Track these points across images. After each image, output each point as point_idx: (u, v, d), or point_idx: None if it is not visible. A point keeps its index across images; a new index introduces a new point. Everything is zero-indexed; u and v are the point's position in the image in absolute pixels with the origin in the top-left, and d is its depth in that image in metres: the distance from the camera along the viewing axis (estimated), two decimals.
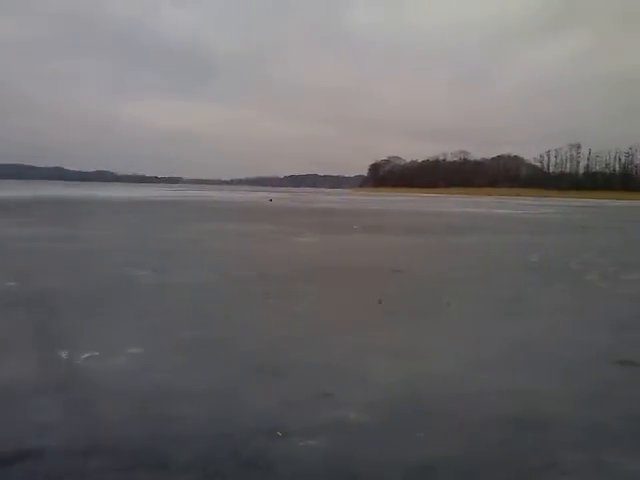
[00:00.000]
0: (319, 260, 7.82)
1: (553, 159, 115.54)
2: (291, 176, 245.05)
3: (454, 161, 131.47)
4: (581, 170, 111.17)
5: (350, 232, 12.59)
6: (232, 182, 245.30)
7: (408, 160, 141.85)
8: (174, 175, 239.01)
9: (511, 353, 3.64)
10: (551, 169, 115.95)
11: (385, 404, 2.67)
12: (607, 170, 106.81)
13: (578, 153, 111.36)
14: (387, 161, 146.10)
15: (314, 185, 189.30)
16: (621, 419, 2.60)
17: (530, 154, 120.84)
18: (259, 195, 49.75)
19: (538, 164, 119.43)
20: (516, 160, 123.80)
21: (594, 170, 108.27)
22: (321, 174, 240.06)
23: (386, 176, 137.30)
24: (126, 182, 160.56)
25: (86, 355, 3.24)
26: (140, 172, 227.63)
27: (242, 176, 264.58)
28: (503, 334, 4.12)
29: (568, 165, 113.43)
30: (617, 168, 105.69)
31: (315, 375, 3.07)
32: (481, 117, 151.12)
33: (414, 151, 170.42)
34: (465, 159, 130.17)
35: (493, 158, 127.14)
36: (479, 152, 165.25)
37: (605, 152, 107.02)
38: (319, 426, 2.38)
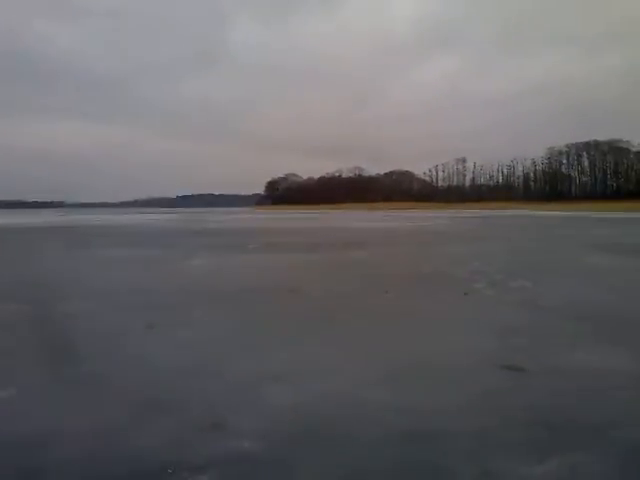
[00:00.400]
0: (211, 284, 7.64)
1: (441, 173, 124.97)
2: (184, 196, 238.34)
3: (350, 177, 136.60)
4: (467, 183, 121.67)
5: (246, 251, 12.44)
6: (121, 205, 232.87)
7: (305, 177, 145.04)
8: (56, 199, 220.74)
9: (402, 366, 3.79)
10: (440, 183, 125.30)
11: (278, 430, 2.66)
12: (491, 182, 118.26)
13: (464, 167, 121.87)
14: (284, 178, 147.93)
15: (209, 205, 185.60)
16: (507, 425, 2.79)
17: (420, 169, 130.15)
18: (149, 217, 47.63)
19: (428, 178, 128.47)
20: (407, 175, 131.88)
21: (479, 183, 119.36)
22: (216, 193, 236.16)
23: (284, 193, 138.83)
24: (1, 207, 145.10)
25: None
26: (17, 196, 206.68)
27: (131, 198, 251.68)
28: (396, 347, 4.29)
29: (455, 179, 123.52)
30: (500, 180, 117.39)
31: (206, 406, 2.98)
32: (372, 133, 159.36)
33: (311, 168, 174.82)
34: (360, 175, 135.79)
35: (386, 173, 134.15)
36: (373, 167, 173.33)
37: (489, 165, 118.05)
38: (210, 460, 2.33)
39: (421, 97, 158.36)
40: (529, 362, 3.85)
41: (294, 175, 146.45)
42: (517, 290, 6.95)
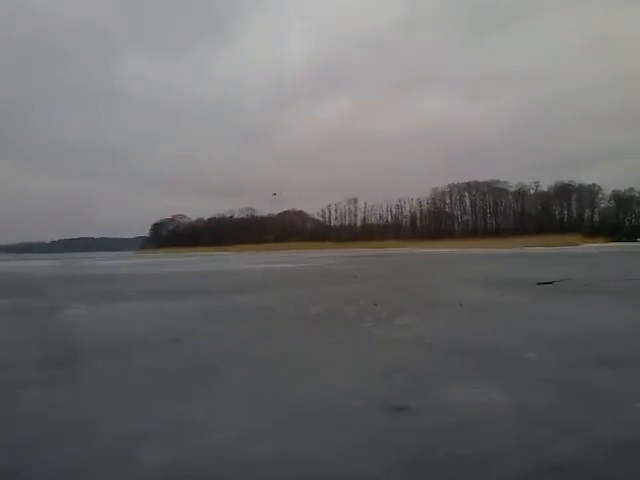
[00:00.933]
0: (84, 338, 7.09)
1: (334, 213, 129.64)
2: (60, 240, 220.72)
3: (242, 218, 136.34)
4: (359, 222, 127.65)
5: (125, 299, 11.78)
6: None
7: (194, 218, 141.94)
8: None
9: (289, 414, 3.76)
10: (332, 222, 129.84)
11: None
12: (381, 221, 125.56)
13: (355, 207, 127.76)
14: (171, 220, 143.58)
15: (89, 249, 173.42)
16: (392, 467, 2.87)
17: (314, 208, 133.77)
18: (19, 264, 43.43)
19: (321, 218, 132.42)
20: (301, 215, 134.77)
21: (370, 222, 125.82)
22: (97, 236, 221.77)
23: (170, 235, 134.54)
24: None
25: None
26: None
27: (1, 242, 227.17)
28: (282, 394, 4.27)
29: (347, 218, 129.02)
30: (389, 219, 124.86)
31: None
32: (266, 173, 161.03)
33: (202, 209, 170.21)
34: (252, 215, 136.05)
35: (280, 213, 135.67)
36: (267, 208, 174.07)
37: (378, 205, 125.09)
38: None
39: (314, 137, 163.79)
40: (413, 400, 3.99)
41: (182, 216, 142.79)
42: (403, 327, 7.26)
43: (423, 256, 42.38)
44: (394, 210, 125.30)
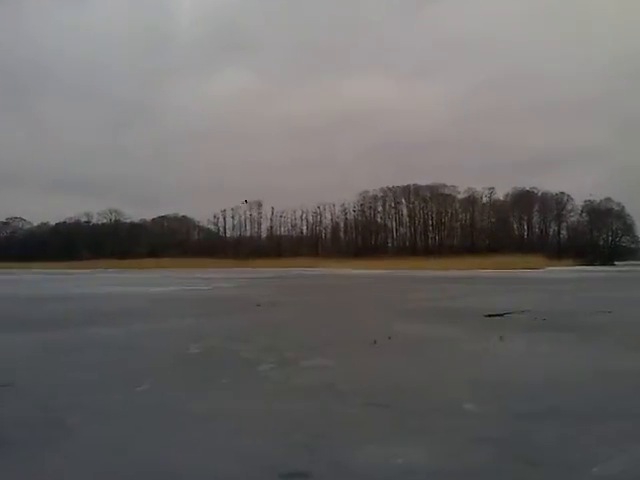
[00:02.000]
0: None
1: (230, 220, 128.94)
2: None
3: (103, 223, 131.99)
4: (264, 233, 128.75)
5: None
6: None
7: (36, 223, 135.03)
8: None
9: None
10: (228, 233, 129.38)
11: None
12: (294, 233, 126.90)
13: (259, 213, 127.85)
14: (5, 224, 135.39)
15: None
16: None
17: (203, 214, 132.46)
18: None
19: (212, 227, 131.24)
20: (185, 222, 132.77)
21: (279, 233, 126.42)
22: None
23: (4, 244, 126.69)
24: None
25: None
26: None
27: None
28: (160, 457, 4.22)
29: (248, 228, 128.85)
30: (305, 230, 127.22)
31: None
32: (137, 167, 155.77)
33: (47, 210, 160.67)
34: (118, 220, 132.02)
35: (155, 219, 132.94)
36: (137, 211, 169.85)
37: (291, 211, 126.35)
38: None
39: (205, 121, 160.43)
40: (316, 464, 4.08)
41: (21, 219, 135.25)
42: (312, 370, 7.40)
43: (346, 279, 43.32)
44: (311, 219, 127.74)
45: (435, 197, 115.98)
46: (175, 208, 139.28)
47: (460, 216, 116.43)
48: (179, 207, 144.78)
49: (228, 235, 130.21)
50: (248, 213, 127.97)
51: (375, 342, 9.58)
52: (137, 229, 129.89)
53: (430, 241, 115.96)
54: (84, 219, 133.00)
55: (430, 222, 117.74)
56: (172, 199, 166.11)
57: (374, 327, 11.91)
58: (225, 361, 8.13)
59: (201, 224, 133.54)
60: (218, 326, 12.50)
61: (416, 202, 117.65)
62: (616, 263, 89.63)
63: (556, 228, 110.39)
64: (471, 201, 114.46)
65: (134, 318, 14.34)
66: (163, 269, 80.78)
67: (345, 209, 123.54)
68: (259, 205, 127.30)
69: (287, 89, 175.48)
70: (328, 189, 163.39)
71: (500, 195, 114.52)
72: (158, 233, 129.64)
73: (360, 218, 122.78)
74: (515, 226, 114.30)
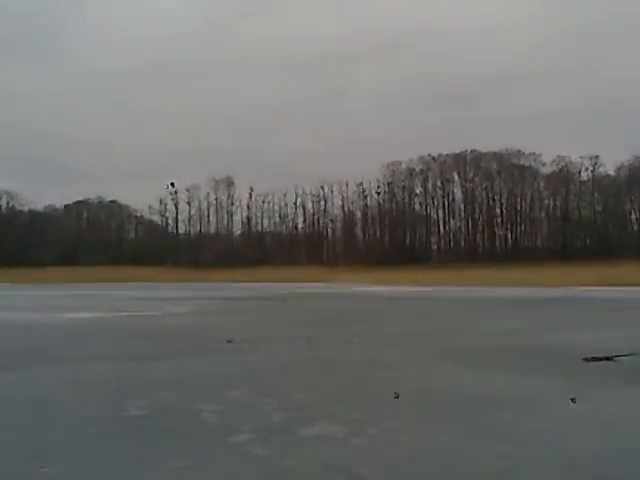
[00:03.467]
0: None
1: (184, 208, 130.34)
2: None
3: None
4: (237, 228, 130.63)
5: None
6: None
7: None
8: None
9: None
10: (182, 228, 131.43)
11: None
12: (284, 228, 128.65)
13: (230, 197, 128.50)
14: None
15: None
16: None
17: (143, 199, 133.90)
18: None
19: (158, 218, 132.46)
20: (115, 211, 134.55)
21: (260, 229, 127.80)
22: None
23: None
24: None
25: None
26: None
27: None
28: None
29: (213, 219, 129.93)
30: (302, 224, 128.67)
31: None
32: (38, 124, 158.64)
33: None
34: (11, 208, 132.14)
35: (69, 207, 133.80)
36: (40, 195, 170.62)
37: (279, 194, 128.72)
38: None
39: (143, 52, 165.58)
40: None
41: None
42: (314, 444, 7.42)
43: (365, 300, 43.00)
44: (311, 207, 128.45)
45: (506, 171, 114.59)
46: (100, 189, 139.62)
47: (546, 201, 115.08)
48: (106, 188, 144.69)
49: (182, 231, 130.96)
50: (213, 197, 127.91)
51: (398, 397, 9.62)
52: (40, 222, 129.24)
53: (498, 241, 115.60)
54: None
55: (498, 210, 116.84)
56: (95, 175, 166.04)
57: (410, 376, 11.94)
58: (180, 429, 8.13)
59: (140, 214, 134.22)
60: (169, 373, 12.52)
61: (476, 179, 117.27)
62: None
63: None
64: (563, 178, 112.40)
65: (41, 360, 14.27)
66: (82, 284, 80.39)
67: (364, 191, 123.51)
68: (229, 185, 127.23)
69: None
70: (337, 158, 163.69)
71: (609, 168, 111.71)
72: (73, 228, 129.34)
73: (387, 205, 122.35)
74: (634, 217, 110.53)
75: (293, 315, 30.30)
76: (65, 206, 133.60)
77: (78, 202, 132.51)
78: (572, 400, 9.58)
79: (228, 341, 17.85)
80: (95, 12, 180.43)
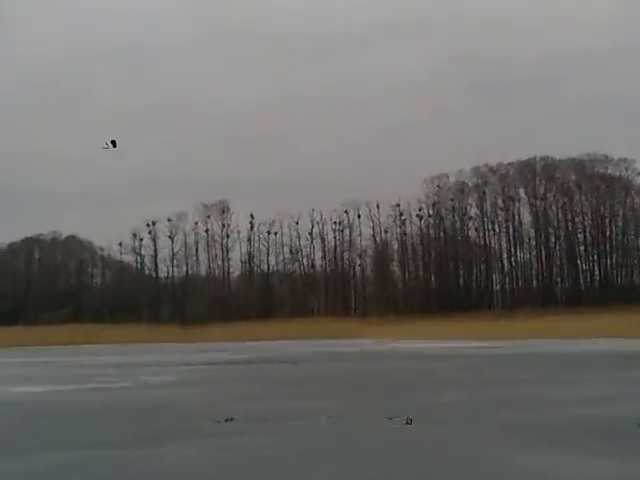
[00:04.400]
0: None
1: (165, 243, 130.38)
2: None
3: None
4: (235, 268, 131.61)
5: None
6: None
7: None
8: None
9: None
10: (163, 269, 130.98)
11: None
12: (297, 266, 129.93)
13: (225, 225, 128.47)
14: None
15: None
16: None
17: (111, 234, 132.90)
18: None
19: (131, 257, 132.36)
20: (76, 248, 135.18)
21: (266, 268, 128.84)
22: None
23: None
24: None
25: None
26: None
27: None
28: None
29: (204, 257, 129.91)
30: (320, 261, 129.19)
31: None
32: None
33: None
34: None
35: (15, 245, 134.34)
36: None
37: (288, 219, 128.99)
38: None
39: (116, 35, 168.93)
40: None
41: None
42: None
43: (410, 359, 42.99)
44: (333, 237, 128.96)
45: (589, 183, 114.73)
46: (55, 222, 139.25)
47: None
48: (62, 220, 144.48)
49: (163, 275, 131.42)
50: (202, 228, 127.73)
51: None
52: None
53: (582, 277, 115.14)
54: None
55: (581, 236, 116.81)
56: (47, 203, 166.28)
57: (459, 464, 12.03)
58: None
59: (107, 254, 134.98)
60: (151, 465, 12.61)
61: (550, 196, 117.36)
62: None
63: None
64: None
65: None
66: (32, 348, 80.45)
67: (401, 214, 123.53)
68: (223, 211, 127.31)
69: None
70: (364, 172, 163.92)
71: None
72: (20, 273, 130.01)
73: (433, 232, 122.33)
74: None
75: (309, 382, 30.31)
76: (9, 245, 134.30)
77: (26, 239, 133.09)
78: None
79: (226, 419, 17.85)
80: None
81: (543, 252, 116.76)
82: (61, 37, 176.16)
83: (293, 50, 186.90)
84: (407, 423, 16.60)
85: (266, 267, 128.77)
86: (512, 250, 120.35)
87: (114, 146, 51.15)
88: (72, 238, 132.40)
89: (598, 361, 37.17)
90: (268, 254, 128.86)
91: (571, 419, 16.61)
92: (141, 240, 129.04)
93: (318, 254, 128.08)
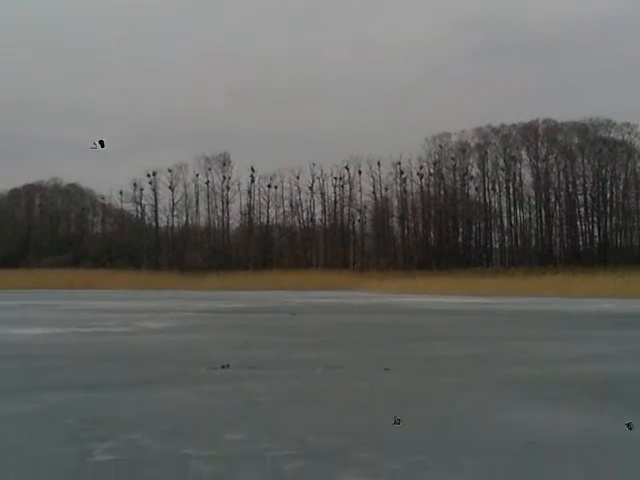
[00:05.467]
0: None
1: (165, 193, 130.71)
2: None
3: None
4: (235, 220, 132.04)
5: None
6: None
7: None
8: None
9: None
10: (162, 219, 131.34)
11: None
12: (297, 220, 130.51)
13: (225, 178, 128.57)
14: None
15: None
16: None
17: (111, 182, 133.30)
18: None
19: (131, 206, 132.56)
20: (76, 196, 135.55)
21: (266, 220, 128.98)
22: None
23: None
24: None
25: None
26: None
27: None
28: None
29: (204, 208, 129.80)
30: (320, 215, 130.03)
31: None
32: None
33: None
34: None
35: (14, 192, 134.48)
36: None
37: (289, 173, 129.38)
38: None
39: None
40: None
41: None
42: None
43: (407, 313, 43.06)
44: (332, 191, 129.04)
45: (591, 146, 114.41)
46: (56, 169, 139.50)
47: None
48: (64, 168, 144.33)
49: (162, 224, 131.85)
50: (203, 180, 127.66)
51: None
52: None
53: (581, 238, 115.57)
54: None
55: (581, 198, 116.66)
56: (49, 151, 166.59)
57: (452, 415, 12.04)
58: None
59: (108, 202, 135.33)
60: (145, 406, 12.67)
61: (551, 157, 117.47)
62: None
63: None
64: None
65: None
66: (33, 290, 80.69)
67: (402, 172, 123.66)
68: (224, 163, 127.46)
69: None
70: (366, 129, 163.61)
71: None
72: (22, 219, 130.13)
73: (433, 190, 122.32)
74: None
75: (306, 333, 30.32)
76: (11, 191, 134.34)
77: (27, 186, 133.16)
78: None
79: (222, 366, 17.84)
80: None
81: (543, 212, 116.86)
82: None
83: (295, 8, 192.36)
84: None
85: (266, 220, 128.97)
86: (512, 209, 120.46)
87: (102, 146, 51.01)
88: (73, 186, 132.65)
89: (598, 320, 37.24)
90: (268, 207, 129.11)
91: (569, 376, 16.60)
92: (142, 190, 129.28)
93: (318, 208, 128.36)
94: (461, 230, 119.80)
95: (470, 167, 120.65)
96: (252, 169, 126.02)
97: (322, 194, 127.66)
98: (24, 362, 19.96)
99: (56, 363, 19.81)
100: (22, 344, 25.24)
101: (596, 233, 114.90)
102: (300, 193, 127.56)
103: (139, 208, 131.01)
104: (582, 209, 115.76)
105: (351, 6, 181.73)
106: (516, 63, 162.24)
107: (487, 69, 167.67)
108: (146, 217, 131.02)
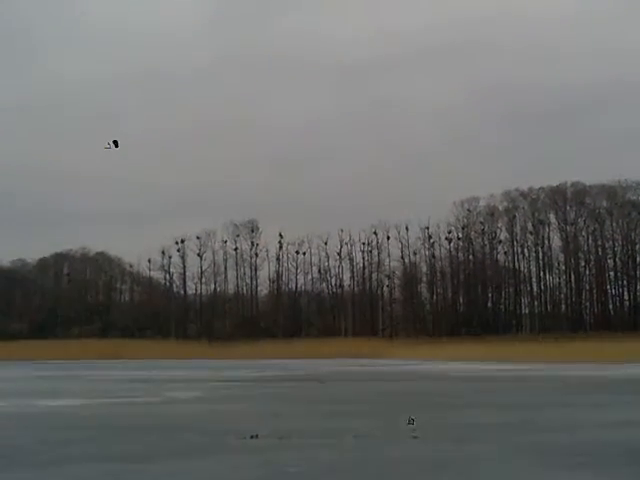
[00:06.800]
0: None
1: (194, 260, 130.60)
2: None
3: None
4: (263, 287, 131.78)
5: None
6: None
7: None
8: None
9: None
10: (190, 287, 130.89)
11: None
12: (324, 287, 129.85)
13: (253, 245, 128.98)
14: None
15: None
16: None
17: (136, 251, 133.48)
18: None
19: (159, 274, 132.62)
20: (104, 264, 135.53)
21: (294, 287, 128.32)
22: None
23: None
24: None
25: None
26: None
27: None
28: None
29: (232, 275, 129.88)
30: (348, 281, 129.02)
31: None
32: None
33: None
34: None
35: (43, 261, 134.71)
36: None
37: (317, 240, 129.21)
38: None
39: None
40: None
41: None
42: None
43: (435, 380, 42.75)
44: (362, 258, 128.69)
45: (620, 209, 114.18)
46: (84, 238, 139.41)
47: None
48: (92, 236, 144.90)
49: (191, 292, 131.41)
50: (231, 246, 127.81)
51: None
52: (7, 281, 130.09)
53: (611, 302, 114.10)
54: None
55: (611, 262, 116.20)
56: (77, 219, 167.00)
57: None
58: None
59: (136, 270, 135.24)
60: (175, 479, 12.50)
61: (580, 221, 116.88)
62: None
63: None
64: None
65: (7, 463, 14.21)
66: (61, 361, 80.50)
67: (430, 237, 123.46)
68: (252, 230, 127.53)
69: None
70: (394, 194, 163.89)
71: None
72: (50, 289, 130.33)
73: (462, 255, 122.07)
74: None
75: (335, 401, 30.24)
76: (39, 260, 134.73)
77: (56, 255, 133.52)
78: None
79: (252, 436, 17.77)
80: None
81: (572, 277, 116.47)
82: (92, 62, 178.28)
83: (326, 73, 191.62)
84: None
85: (294, 286, 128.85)
86: (541, 274, 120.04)
87: (116, 146, 51.55)
88: (101, 254, 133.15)
89: (628, 385, 36.89)
90: (297, 274, 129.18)
91: (601, 442, 16.42)
92: (170, 257, 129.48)
93: (346, 274, 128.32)
94: (490, 295, 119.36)
95: (499, 231, 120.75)
96: (280, 235, 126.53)
97: (350, 260, 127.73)
98: (52, 433, 19.96)
99: (84, 434, 19.80)
100: (51, 415, 25.23)
101: (626, 297, 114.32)
102: (328, 259, 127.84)
103: (167, 276, 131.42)
104: (612, 273, 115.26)
105: (376, 66, 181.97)
106: (541, 127, 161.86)
107: (512, 133, 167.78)
108: (174, 285, 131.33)
